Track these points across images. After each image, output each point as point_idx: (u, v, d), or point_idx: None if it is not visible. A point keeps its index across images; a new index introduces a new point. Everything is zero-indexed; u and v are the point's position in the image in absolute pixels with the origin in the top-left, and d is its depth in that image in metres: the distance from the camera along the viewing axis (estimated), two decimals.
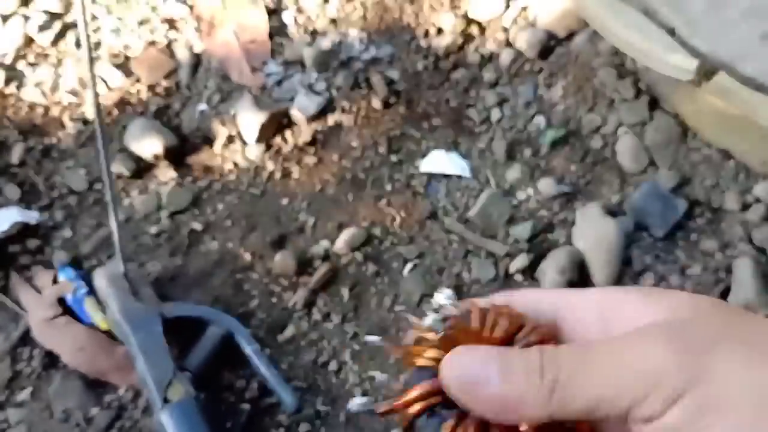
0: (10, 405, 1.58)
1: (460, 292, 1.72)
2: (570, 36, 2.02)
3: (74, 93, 2.00)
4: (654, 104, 1.89)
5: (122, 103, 2.00)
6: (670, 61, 1.65)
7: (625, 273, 1.72)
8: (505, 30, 2.06)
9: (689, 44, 1.72)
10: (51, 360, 1.62)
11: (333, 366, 1.64)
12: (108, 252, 1.77)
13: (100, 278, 1.63)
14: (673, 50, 1.67)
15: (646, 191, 1.80)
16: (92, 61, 1.43)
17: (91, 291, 1.66)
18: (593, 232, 1.73)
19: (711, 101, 1.77)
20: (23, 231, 1.77)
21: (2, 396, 1.59)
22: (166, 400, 1.46)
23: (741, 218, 1.78)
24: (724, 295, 1.69)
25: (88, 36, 1.37)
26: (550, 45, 2.01)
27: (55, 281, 1.69)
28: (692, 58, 1.64)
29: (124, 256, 1.62)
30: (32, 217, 1.78)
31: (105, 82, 2.01)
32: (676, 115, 1.87)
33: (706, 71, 1.65)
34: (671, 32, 1.73)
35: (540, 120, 1.93)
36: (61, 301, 1.66)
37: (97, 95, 1.43)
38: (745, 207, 1.78)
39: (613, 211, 1.79)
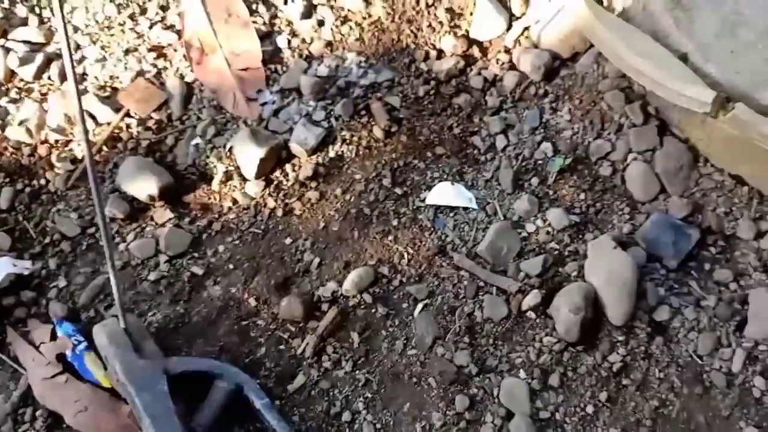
0: None
1: (473, 332, 1.68)
2: (574, 56, 1.97)
3: (61, 130, 1.92)
4: (663, 129, 1.85)
5: (112, 140, 1.92)
6: (686, 92, 1.60)
7: (639, 307, 1.69)
8: (508, 51, 2.00)
9: (702, 70, 1.67)
10: (55, 421, 1.56)
11: (346, 416, 1.59)
12: (106, 302, 1.71)
13: (99, 335, 1.56)
14: (688, 81, 1.62)
15: (658, 221, 1.76)
16: (80, 97, 1.35)
17: (91, 345, 1.60)
18: (606, 267, 1.69)
19: (722, 126, 1.73)
20: (16, 282, 1.70)
21: None
22: None
23: (755, 246, 1.74)
24: (741, 327, 1.66)
25: (73, 68, 1.28)
26: (554, 66, 1.96)
27: (53, 337, 1.62)
28: (709, 90, 1.59)
29: (123, 308, 1.56)
30: (25, 267, 1.71)
31: (93, 117, 1.93)
32: (686, 141, 1.83)
33: (722, 101, 1.61)
34: (683, 58, 1.69)
35: (547, 146, 1.88)
36: (61, 357, 1.60)
37: (87, 133, 1.35)
38: (759, 235, 1.75)
39: (624, 242, 1.75)
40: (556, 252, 1.77)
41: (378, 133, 1.92)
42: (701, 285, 1.73)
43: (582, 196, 1.83)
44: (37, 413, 1.57)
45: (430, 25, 2.06)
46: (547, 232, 1.79)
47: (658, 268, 1.75)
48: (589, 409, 1.61)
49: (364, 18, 2.07)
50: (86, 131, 1.35)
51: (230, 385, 1.56)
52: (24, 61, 1.97)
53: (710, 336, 1.66)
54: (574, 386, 1.63)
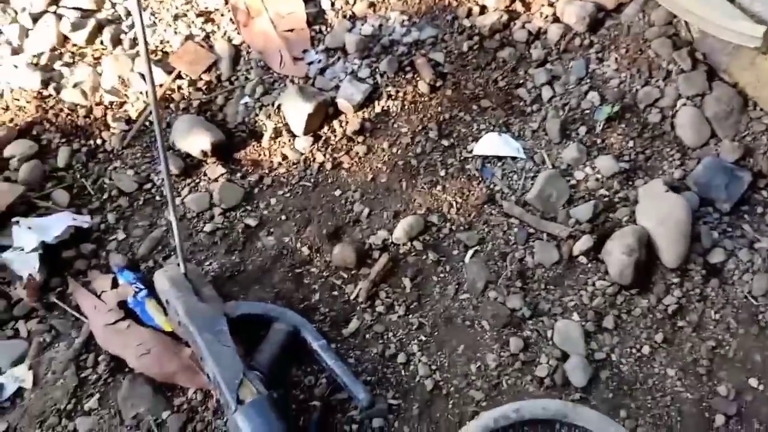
0: (79, 413, 1.56)
1: (524, 277, 1.69)
2: (619, 7, 1.96)
3: (115, 92, 1.97)
4: (712, 74, 1.84)
5: (164, 100, 1.96)
6: (735, 28, 1.60)
7: (693, 250, 1.68)
8: (551, 4, 2.01)
9: (749, 10, 1.66)
10: (117, 365, 1.60)
11: (401, 358, 1.61)
12: (163, 253, 1.74)
13: (161, 280, 1.60)
14: (737, 17, 1.61)
15: (710, 164, 1.75)
16: (149, 61, 1.39)
17: (152, 293, 1.64)
18: (658, 210, 1.68)
19: None
20: (76, 235, 1.74)
21: (70, 405, 1.57)
22: (239, 401, 1.43)
23: None
24: None
25: (144, 35, 1.32)
26: (599, 17, 1.96)
27: (114, 285, 1.66)
28: (759, 25, 1.58)
29: (184, 255, 1.59)
30: (84, 221, 1.76)
31: (145, 79, 1.97)
32: (735, 85, 1.82)
33: None
34: None
35: (594, 96, 1.88)
36: (122, 304, 1.64)
37: (155, 93, 1.38)
38: None
39: (675, 187, 1.74)
40: (606, 198, 1.77)
41: (423, 87, 1.93)
42: (754, 228, 1.72)
43: (631, 143, 1.83)
44: (100, 358, 1.61)
45: None
46: (597, 179, 1.79)
47: (711, 212, 1.74)
48: (645, 349, 1.60)
49: None
50: (154, 87, 1.38)
51: (288, 327, 1.58)
52: (76, 26, 2.02)
53: (764, 277, 1.65)
54: (629, 328, 1.63)
